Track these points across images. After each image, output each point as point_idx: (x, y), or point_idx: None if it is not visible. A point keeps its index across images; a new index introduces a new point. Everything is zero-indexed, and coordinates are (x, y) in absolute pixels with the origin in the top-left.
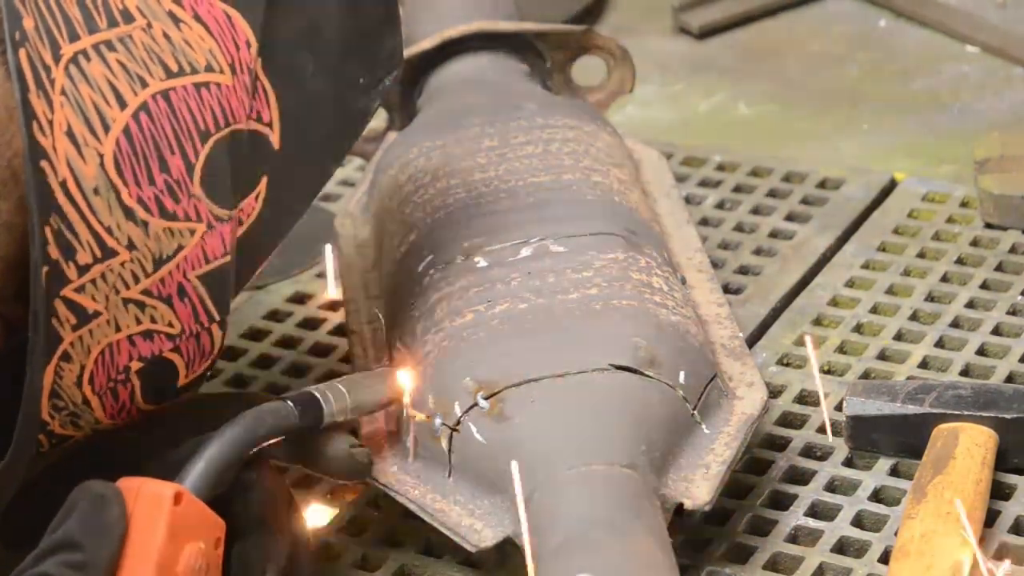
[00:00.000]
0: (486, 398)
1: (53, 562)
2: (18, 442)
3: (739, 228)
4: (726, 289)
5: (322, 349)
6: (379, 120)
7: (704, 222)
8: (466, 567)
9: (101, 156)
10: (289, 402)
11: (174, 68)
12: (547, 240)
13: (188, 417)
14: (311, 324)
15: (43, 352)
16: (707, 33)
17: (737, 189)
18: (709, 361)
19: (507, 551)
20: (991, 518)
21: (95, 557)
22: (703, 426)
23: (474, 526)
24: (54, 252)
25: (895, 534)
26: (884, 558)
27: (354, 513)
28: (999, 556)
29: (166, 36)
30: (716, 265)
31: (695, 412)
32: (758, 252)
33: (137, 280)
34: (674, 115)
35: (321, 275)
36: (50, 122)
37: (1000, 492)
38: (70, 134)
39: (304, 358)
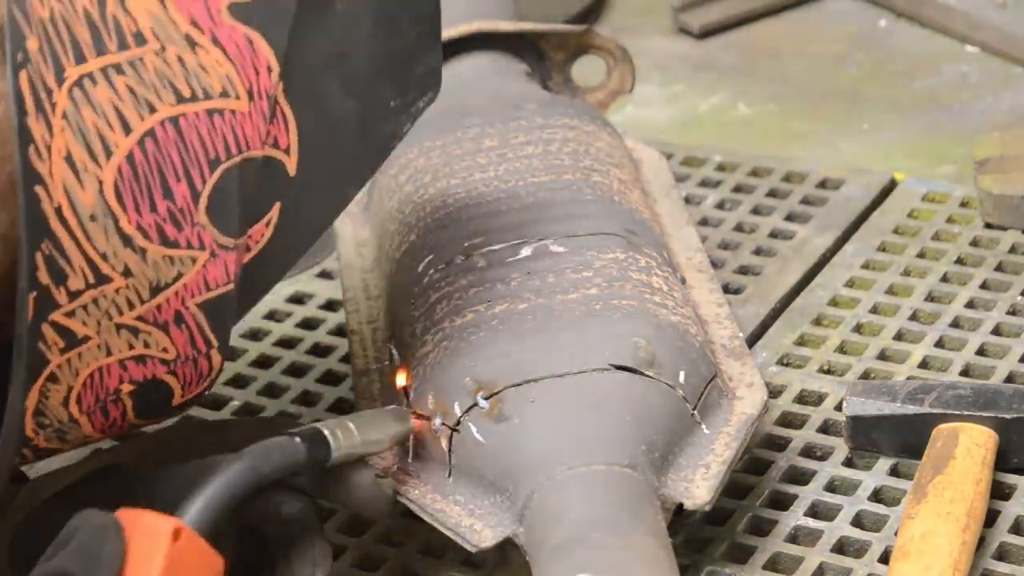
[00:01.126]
0: (486, 398)
1: None
2: None
3: (739, 228)
4: (726, 289)
5: (322, 349)
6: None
7: (704, 222)
8: (466, 567)
9: (101, 182)
10: (297, 438)
11: (186, 93)
12: (547, 240)
13: (199, 445)
14: (311, 324)
15: (25, 377)
16: (707, 33)
17: (737, 189)
18: (709, 361)
19: (507, 551)
20: (991, 518)
21: None
22: (703, 426)
23: (474, 526)
24: (44, 277)
25: (895, 534)
26: (884, 558)
27: (354, 513)
28: (999, 556)
29: (180, 60)
30: (716, 265)
31: (695, 412)
32: (758, 252)
33: (132, 307)
34: (674, 115)
35: (321, 275)
36: (48, 147)
37: (1000, 492)
38: (69, 159)
39: (304, 358)
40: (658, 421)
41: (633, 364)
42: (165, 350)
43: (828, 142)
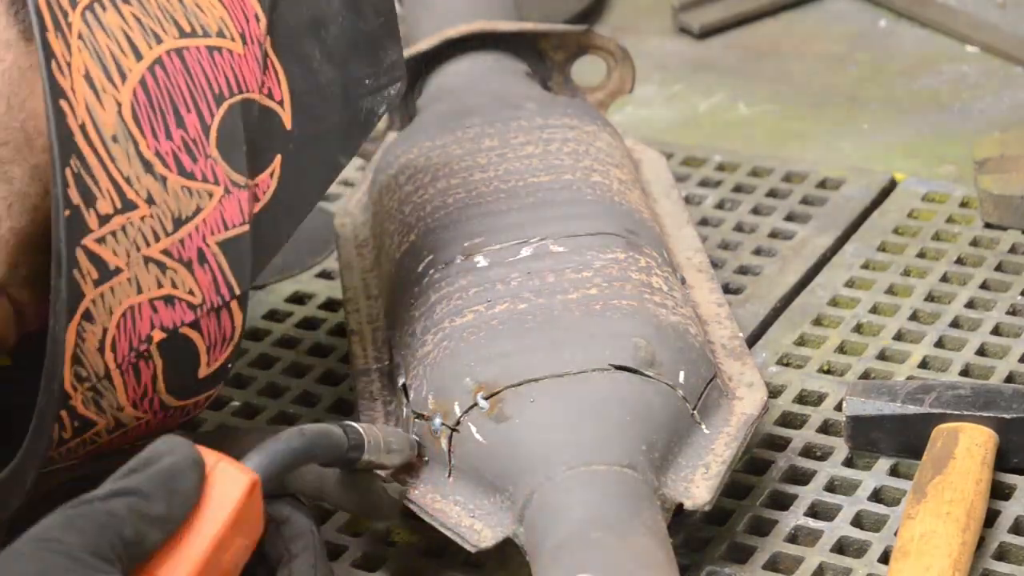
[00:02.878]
0: (486, 398)
1: (124, 505)
2: (40, 413)
3: (739, 228)
4: (726, 289)
5: (322, 349)
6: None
7: (704, 222)
8: (466, 567)
9: (119, 104)
10: (339, 430)
11: (187, 28)
12: (547, 240)
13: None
14: (311, 324)
15: (66, 303)
16: (707, 33)
17: (737, 189)
18: (709, 361)
19: (507, 551)
20: (991, 518)
21: (168, 516)
22: (703, 426)
23: (474, 526)
24: (75, 196)
25: (895, 534)
26: (884, 558)
27: (359, 516)
28: (999, 556)
29: None
30: (716, 265)
31: (695, 412)
32: (758, 252)
33: (157, 238)
34: (674, 115)
35: (321, 275)
36: (68, 64)
37: (1000, 492)
38: (88, 78)
39: (304, 358)
40: (658, 421)
41: (633, 364)
42: (191, 292)
43: (828, 142)
